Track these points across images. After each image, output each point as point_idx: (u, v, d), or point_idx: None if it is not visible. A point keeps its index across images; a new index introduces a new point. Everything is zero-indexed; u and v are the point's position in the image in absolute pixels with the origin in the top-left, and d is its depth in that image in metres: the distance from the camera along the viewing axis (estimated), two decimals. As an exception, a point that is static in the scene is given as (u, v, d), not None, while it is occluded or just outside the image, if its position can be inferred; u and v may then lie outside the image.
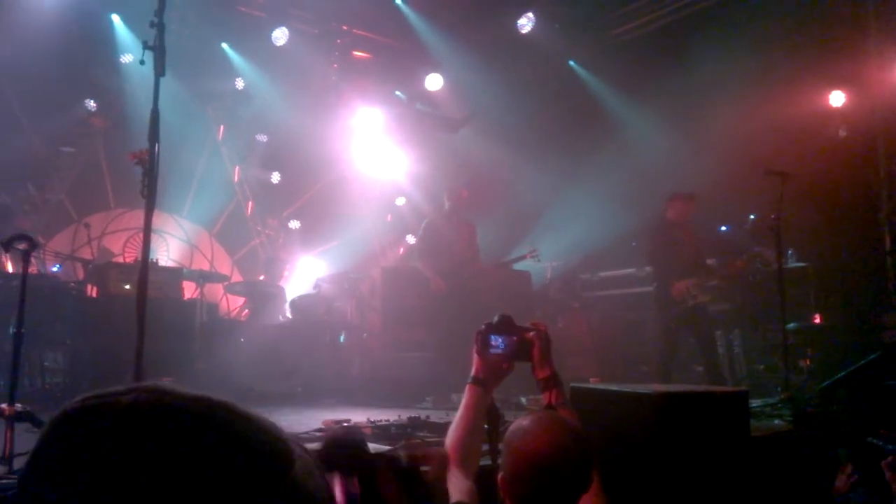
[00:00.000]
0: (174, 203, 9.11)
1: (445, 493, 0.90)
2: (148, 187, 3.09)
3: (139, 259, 7.08)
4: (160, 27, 3.11)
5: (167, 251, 9.00)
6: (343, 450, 0.89)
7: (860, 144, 7.69)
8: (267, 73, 9.08)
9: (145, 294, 3.15)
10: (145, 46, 3.10)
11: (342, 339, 8.40)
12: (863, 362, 5.47)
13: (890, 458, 2.52)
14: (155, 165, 3.10)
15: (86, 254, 7.80)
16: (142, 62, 3.15)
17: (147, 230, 3.15)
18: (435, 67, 9.51)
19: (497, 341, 2.18)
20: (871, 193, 7.71)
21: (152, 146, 3.10)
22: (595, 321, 8.57)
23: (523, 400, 5.76)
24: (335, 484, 0.87)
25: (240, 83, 9.21)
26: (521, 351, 2.22)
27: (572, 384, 3.51)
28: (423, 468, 0.92)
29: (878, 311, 7.24)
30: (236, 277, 9.39)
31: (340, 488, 0.88)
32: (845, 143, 7.68)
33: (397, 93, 9.89)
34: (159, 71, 3.09)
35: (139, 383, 0.56)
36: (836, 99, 7.86)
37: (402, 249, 10.55)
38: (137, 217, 8.52)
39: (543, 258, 7.91)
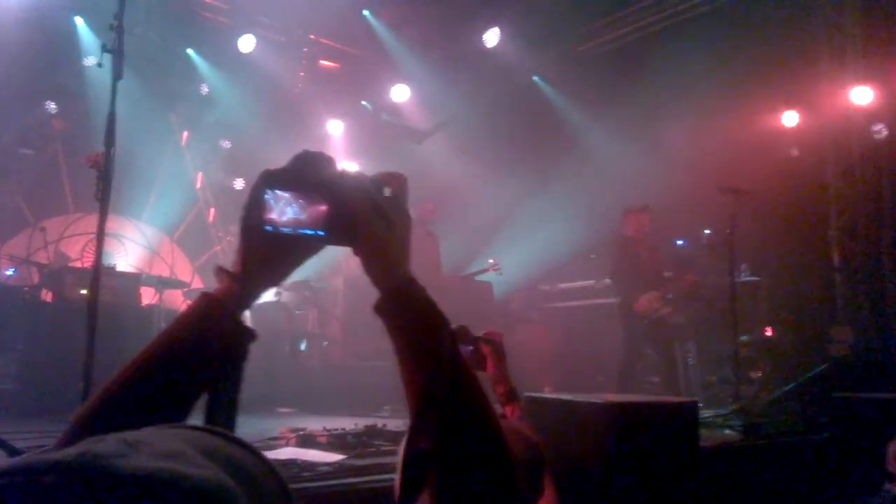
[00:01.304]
0: (135, 207, 9.00)
1: (404, 212, 0.96)
2: (102, 191, 3.07)
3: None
4: (119, 30, 3.10)
5: (126, 256, 8.86)
6: (309, 169, 0.92)
7: (811, 163, 7.92)
8: (232, 79, 9.04)
9: (97, 300, 3.12)
10: (104, 49, 3.09)
11: (303, 347, 8.36)
12: (811, 374, 5.63)
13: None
14: (110, 169, 3.08)
15: (42, 258, 7.65)
16: (100, 65, 3.14)
17: (100, 234, 3.12)
18: (401, 78, 9.56)
19: None
20: (820, 211, 7.94)
21: (108, 149, 3.08)
22: (554, 332, 8.66)
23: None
24: (295, 203, 0.93)
25: (204, 88, 9.16)
26: (477, 361, 2.26)
27: (526, 394, 3.55)
28: (386, 188, 0.97)
29: (826, 324, 7.45)
30: (197, 284, 9.27)
31: (305, 207, 0.93)
32: (797, 162, 7.91)
33: (364, 103, 9.93)
34: (117, 74, 3.08)
35: (65, 451, 0.47)
36: (790, 119, 8.10)
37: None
38: (96, 221, 8.39)
39: (504, 269, 7.98)
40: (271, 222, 0.91)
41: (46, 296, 6.54)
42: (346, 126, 9.97)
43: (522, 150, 9.52)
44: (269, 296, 8.24)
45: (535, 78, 9.78)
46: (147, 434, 0.54)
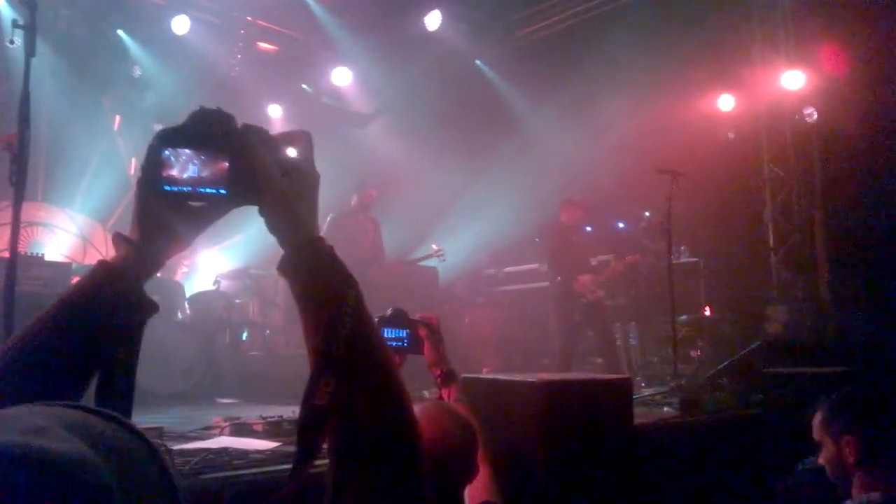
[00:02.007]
0: (65, 196, 8.66)
1: (311, 169, 0.94)
2: (17, 174, 2.93)
3: (25, 254, 6.73)
4: (32, 5, 2.96)
5: (57, 245, 8.54)
6: (209, 125, 0.89)
7: (747, 146, 8.12)
8: (167, 62, 8.76)
9: (13, 290, 2.99)
10: (14, 25, 2.94)
11: (244, 336, 8.22)
12: (744, 352, 5.79)
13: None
14: (25, 151, 2.94)
15: (-37, 248, 7.31)
16: (11, 42, 2.99)
17: (15, 220, 2.99)
18: (343, 62, 9.43)
19: (390, 334, 2.19)
20: (756, 193, 8.16)
21: (21, 130, 2.94)
22: (500, 315, 8.72)
23: (426, 393, 5.80)
24: (196, 160, 0.88)
25: (137, 71, 8.86)
26: (414, 344, 2.24)
27: (464, 375, 3.55)
28: (290, 147, 0.94)
29: (763, 303, 7.67)
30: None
31: (205, 164, 0.89)
32: (734, 145, 8.09)
33: (304, 86, 9.76)
34: (30, 51, 2.94)
35: None
36: (726, 103, 8.26)
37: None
38: (26, 210, 8.00)
39: (449, 255, 7.98)
40: (170, 181, 0.87)
41: (-32, 288, 6.26)
42: (287, 110, 9.79)
43: (466, 134, 9.52)
44: (208, 284, 8.07)
45: (478, 62, 9.77)
46: (11, 411, 0.52)
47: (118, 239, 0.90)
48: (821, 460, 2.18)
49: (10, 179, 3.12)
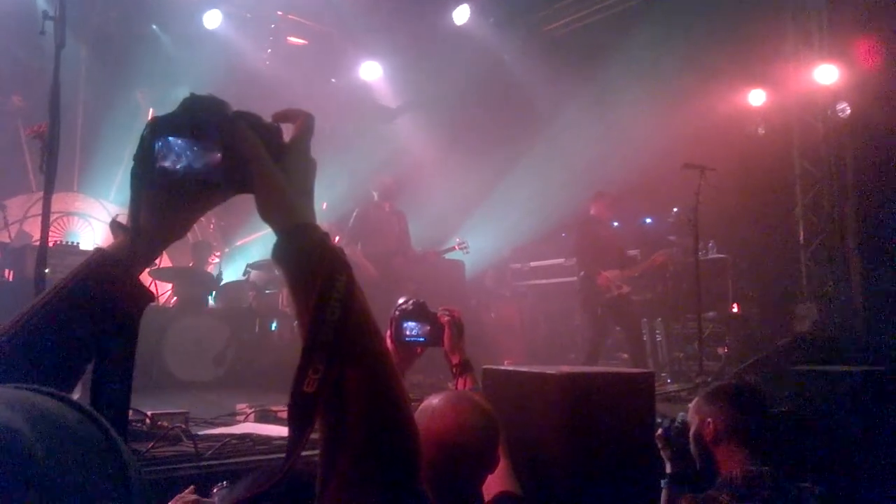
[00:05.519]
0: (100, 187, 8.85)
1: (306, 155, 0.92)
2: (47, 163, 3.00)
3: (61, 243, 6.89)
4: (62, -3, 3.03)
5: (92, 234, 8.72)
6: (201, 114, 0.89)
7: (777, 142, 7.98)
8: (199, 56, 8.88)
9: (44, 277, 3.06)
10: (45, 17, 3.01)
11: (274, 326, 8.30)
12: (772, 349, 5.72)
13: (660, 431, 2.74)
14: (55, 140, 3.01)
15: (3, 237, 7.52)
16: (41, 32, 3.07)
17: (46, 205, 3.06)
18: (371, 56, 9.47)
19: (411, 327, 2.21)
20: (786, 189, 8.02)
21: (52, 121, 3.02)
22: (526, 310, 8.70)
23: (450, 385, 5.81)
24: (189, 150, 0.89)
25: (170, 66, 9.00)
26: (435, 336, 2.25)
27: (484, 366, 3.55)
28: (287, 130, 0.95)
29: (792, 300, 7.55)
30: (165, 262, 9.14)
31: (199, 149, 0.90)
32: (764, 141, 7.96)
33: (333, 80, 9.83)
34: (60, 42, 3.00)
35: None
36: (756, 97, 8.13)
37: (337, 238, 10.48)
38: (62, 200, 8.23)
39: (475, 248, 7.98)
40: (163, 172, 0.87)
41: (8, 275, 6.45)
42: (316, 104, 9.87)
43: (493, 129, 9.51)
44: (238, 275, 8.18)
45: (505, 57, 9.74)
46: None
47: (115, 226, 0.91)
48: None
49: (40, 167, 3.20)
